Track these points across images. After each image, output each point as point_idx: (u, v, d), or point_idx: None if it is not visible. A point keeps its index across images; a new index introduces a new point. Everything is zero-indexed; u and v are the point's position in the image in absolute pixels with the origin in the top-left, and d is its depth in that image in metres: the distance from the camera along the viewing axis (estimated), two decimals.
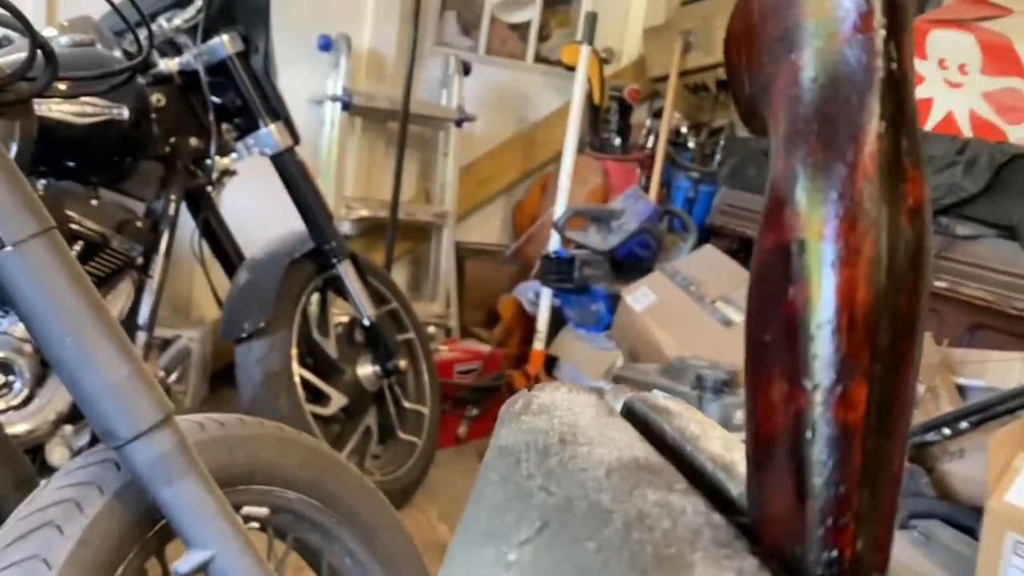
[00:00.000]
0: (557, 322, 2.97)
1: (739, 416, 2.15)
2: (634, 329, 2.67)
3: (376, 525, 1.24)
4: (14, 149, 0.91)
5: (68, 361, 0.84)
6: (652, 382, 2.26)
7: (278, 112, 2.00)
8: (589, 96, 3.09)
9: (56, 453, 1.66)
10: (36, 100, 1.65)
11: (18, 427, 1.62)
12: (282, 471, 1.12)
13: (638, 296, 2.68)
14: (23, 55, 0.92)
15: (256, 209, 2.32)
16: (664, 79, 3.30)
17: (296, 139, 2.03)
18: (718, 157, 3.17)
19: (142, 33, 1.91)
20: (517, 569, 0.22)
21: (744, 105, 0.24)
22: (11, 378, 1.64)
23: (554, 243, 2.88)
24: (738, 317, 2.58)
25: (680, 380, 2.22)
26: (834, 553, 0.19)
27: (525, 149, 3.46)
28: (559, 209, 2.87)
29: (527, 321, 3.04)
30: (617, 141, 3.30)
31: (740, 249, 2.95)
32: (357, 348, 2.22)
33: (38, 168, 1.74)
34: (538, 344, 2.91)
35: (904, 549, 1.56)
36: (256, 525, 1.09)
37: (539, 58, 3.47)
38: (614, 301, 2.74)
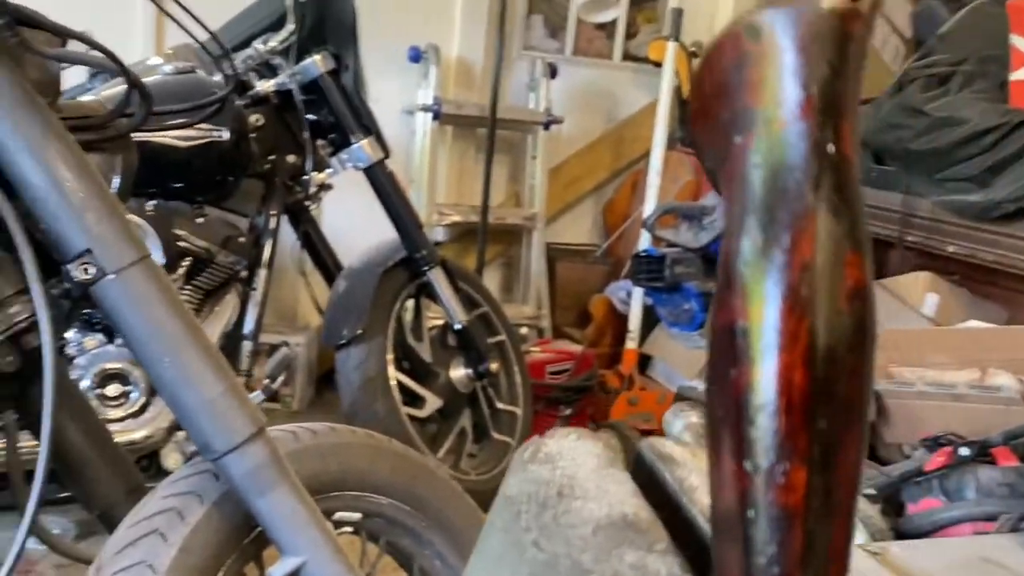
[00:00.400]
0: (651, 321, 2.96)
1: None
2: None
3: (466, 528, 1.27)
4: (116, 182, 0.99)
5: (167, 380, 0.90)
6: None
7: (369, 127, 2.07)
8: (679, 91, 3.06)
9: (171, 458, 1.77)
10: (147, 127, 1.76)
11: (135, 434, 1.74)
12: (373, 477, 1.16)
13: None
14: (122, 89, 1.00)
15: (355, 219, 2.41)
16: None
17: (386, 152, 2.10)
18: None
19: (238, 57, 2.00)
20: None
21: (708, 174, 0.25)
22: (128, 388, 1.76)
23: (644, 242, 2.86)
24: None
25: None
26: None
27: (614, 148, 3.45)
28: (648, 207, 2.85)
29: (619, 321, 3.04)
30: None
31: None
32: (450, 351, 2.28)
33: (148, 190, 1.86)
34: (630, 343, 2.90)
35: (1017, 555, 1.49)
36: (349, 529, 1.15)
37: (627, 56, 3.45)
38: (707, 299, 2.71)
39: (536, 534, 0.26)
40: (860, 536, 1.74)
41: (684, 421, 0.60)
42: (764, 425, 0.20)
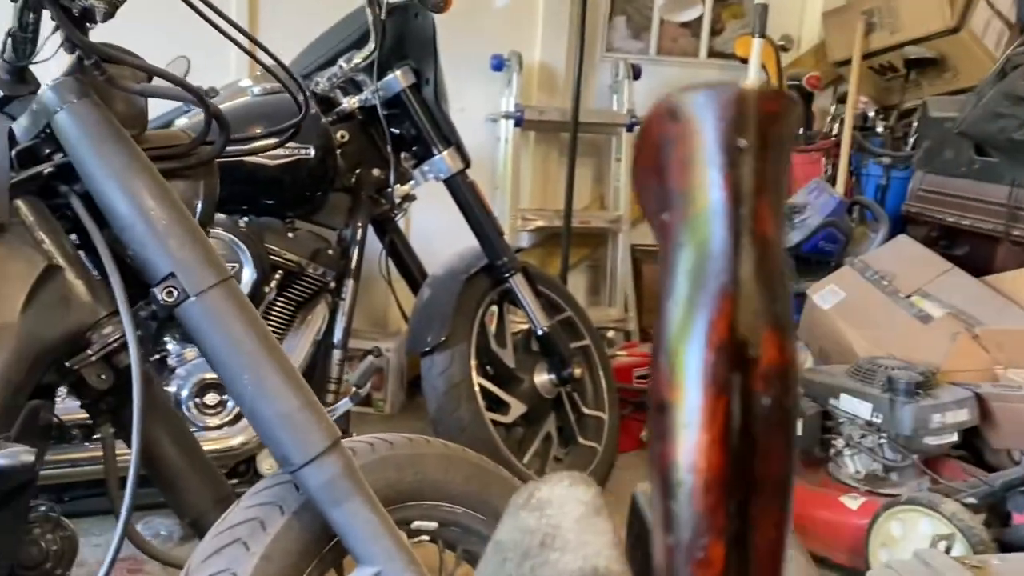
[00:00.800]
0: None
1: (936, 419, 2.01)
2: (822, 329, 2.56)
3: None
4: (199, 206, 1.04)
5: (246, 396, 0.95)
6: (839, 384, 2.17)
7: (449, 138, 2.10)
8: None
9: (265, 463, 1.85)
10: (238, 147, 1.85)
11: (232, 440, 1.82)
12: (448, 487, 1.19)
13: (825, 294, 2.57)
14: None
15: (445, 227, 2.46)
16: (847, 63, 3.13)
17: (467, 162, 2.13)
18: (911, 140, 2.97)
19: (324, 75, 2.07)
20: None
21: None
22: (225, 397, 1.84)
23: None
24: (937, 312, 2.41)
25: (870, 382, 2.11)
26: None
27: None
28: None
29: None
30: (799, 131, 3.17)
31: (940, 237, 2.75)
32: (534, 357, 2.29)
33: (241, 208, 1.94)
34: None
35: None
36: (427, 538, 1.17)
37: (713, 53, 3.39)
38: (799, 300, 2.64)
39: (513, 555, 0.27)
40: (960, 547, 1.67)
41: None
42: (683, 501, 0.20)
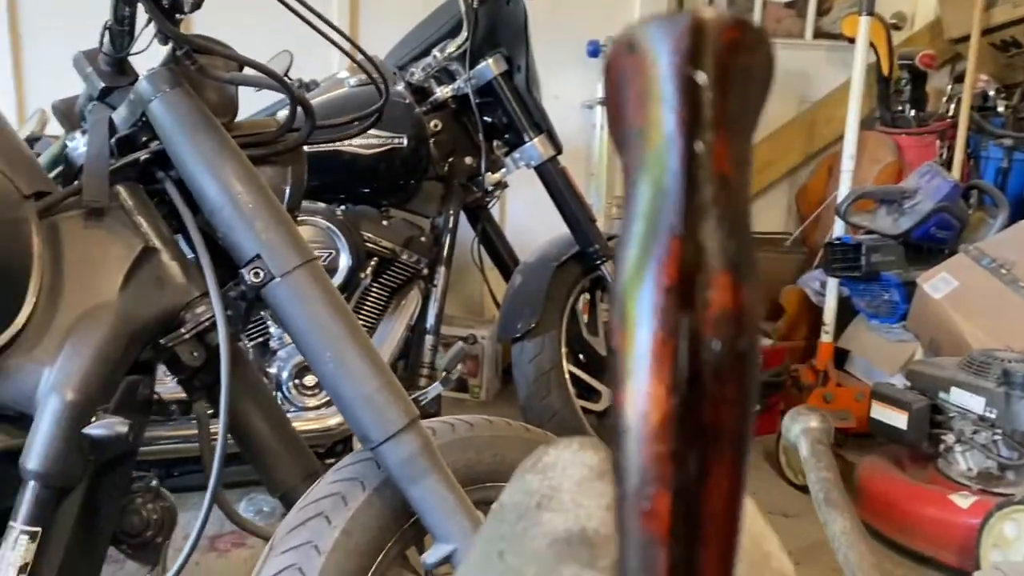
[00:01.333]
0: (848, 313, 2.79)
1: None
2: (933, 319, 2.44)
3: None
4: (287, 193, 1.07)
5: (328, 374, 0.97)
6: (950, 377, 2.06)
7: (540, 125, 2.10)
8: (878, 67, 2.86)
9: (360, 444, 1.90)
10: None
11: (329, 421, 1.87)
12: None
13: (937, 283, 2.44)
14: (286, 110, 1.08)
15: (539, 215, 2.46)
16: (965, 39, 2.95)
17: (559, 149, 2.13)
18: None
19: (419, 65, 2.10)
20: None
21: None
22: None
23: (838, 229, 2.71)
24: None
25: (984, 375, 2.00)
26: None
27: (807, 130, 3.28)
28: (842, 192, 2.69)
29: (813, 313, 2.89)
30: (911, 113, 3.02)
31: None
32: None
33: (338, 196, 2.00)
34: (825, 337, 2.75)
35: None
36: None
37: (819, 34, 3.27)
38: (909, 289, 2.52)
39: (505, 545, 0.27)
40: None
41: (802, 425, 0.57)
42: (630, 449, 0.20)
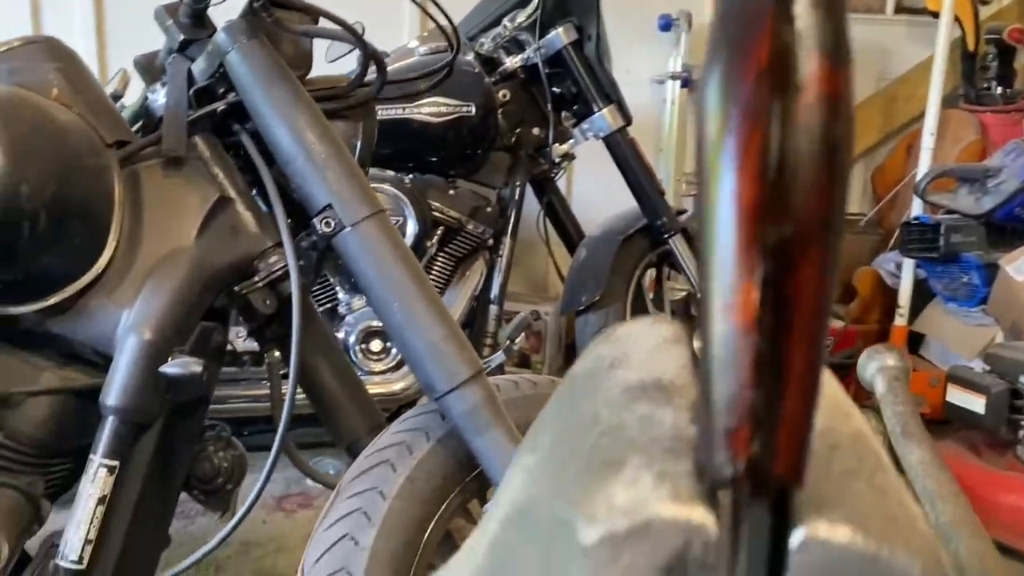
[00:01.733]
0: (924, 296, 2.71)
1: None
2: (1017, 302, 2.35)
3: None
4: (358, 147, 1.09)
5: (395, 324, 0.98)
6: None
7: (610, 95, 2.08)
8: (963, 43, 2.76)
9: None
10: (403, 104, 1.91)
11: (395, 385, 1.90)
12: None
13: (1020, 265, 2.35)
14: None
15: (606, 188, 2.44)
16: None
17: (628, 120, 2.11)
18: None
19: (488, 35, 2.10)
20: (524, 472, 0.25)
21: None
22: (388, 344, 1.92)
23: (916, 208, 2.62)
24: None
25: None
26: (731, 456, 0.19)
27: (886, 108, 3.18)
28: (922, 170, 2.61)
29: (887, 295, 2.81)
30: (998, 90, 2.90)
31: None
32: (694, 323, 2.24)
33: (407, 165, 2.01)
34: (900, 320, 2.68)
35: None
36: None
37: (900, 8, 3.16)
38: (990, 271, 2.43)
39: (576, 398, 0.26)
40: None
41: (879, 364, 0.55)
42: (716, 240, 0.19)
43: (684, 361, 0.26)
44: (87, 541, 0.89)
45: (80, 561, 0.89)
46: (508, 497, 0.25)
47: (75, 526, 0.89)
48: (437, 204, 2.00)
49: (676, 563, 0.18)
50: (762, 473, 0.19)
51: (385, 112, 1.91)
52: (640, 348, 0.27)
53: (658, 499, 0.19)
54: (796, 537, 0.18)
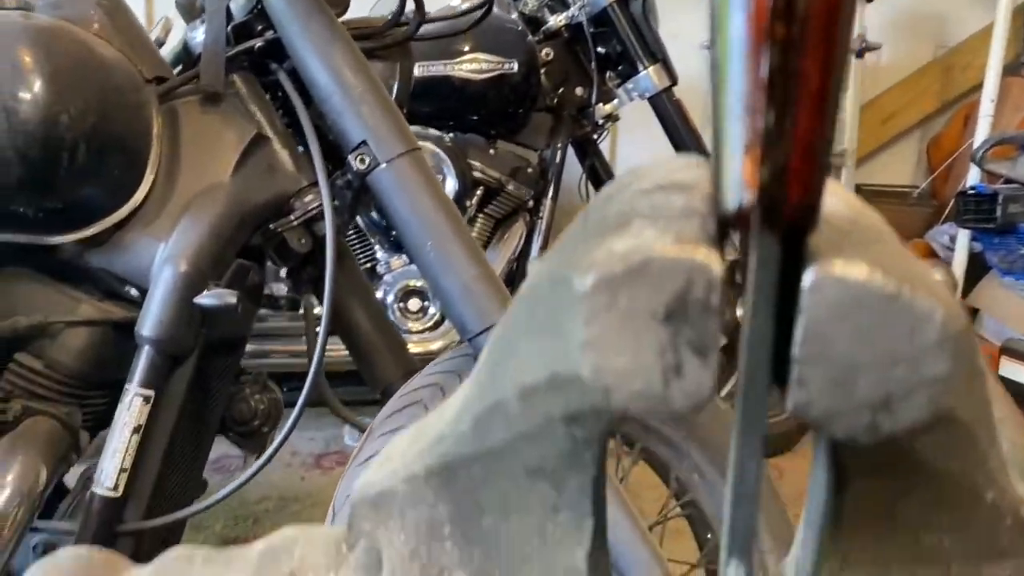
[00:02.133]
0: (977, 269, 2.63)
1: None
2: None
3: (728, 446, 1.23)
4: (395, 87, 1.07)
5: (428, 264, 0.97)
6: None
7: (656, 54, 2.04)
8: None
9: None
10: (444, 61, 1.90)
11: (432, 344, 1.90)
12: None
13: None
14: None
15: (647, 153, 2.41)
16: None
17: (674, 80, 2.06)
18: None
19: None
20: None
21: None
22: (427, 303, 1.92)
23: (972, 177, 2.54)
24: None
25: None
26: (742, 181, 0.17)
27: (943, 76, 3.09)
28: (979, 138, 2.52)
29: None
30: None
31: None
32: (736, 288, 2.20)
33: (447, 123, 2.00)
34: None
35: None
36: None
37: None
38: None
39: (595, 208, 0.25)
40: None
41: None
42: (726, 37, 0.18)
43: (705, 175, 0.24)
44: (122, 469, 0.90)
45: (115, 488, 0.90)
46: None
47: (111, 454, 0.90)
48: (478, 164, 1.99)
49: (677, 306, 0.17)
50: (775, 200, 0.17)
51: (426, 69, 1.89)
52: (661, 167, 0.25)
53: (660, 242, 0.17)
54: (809, 276, 0.17)
